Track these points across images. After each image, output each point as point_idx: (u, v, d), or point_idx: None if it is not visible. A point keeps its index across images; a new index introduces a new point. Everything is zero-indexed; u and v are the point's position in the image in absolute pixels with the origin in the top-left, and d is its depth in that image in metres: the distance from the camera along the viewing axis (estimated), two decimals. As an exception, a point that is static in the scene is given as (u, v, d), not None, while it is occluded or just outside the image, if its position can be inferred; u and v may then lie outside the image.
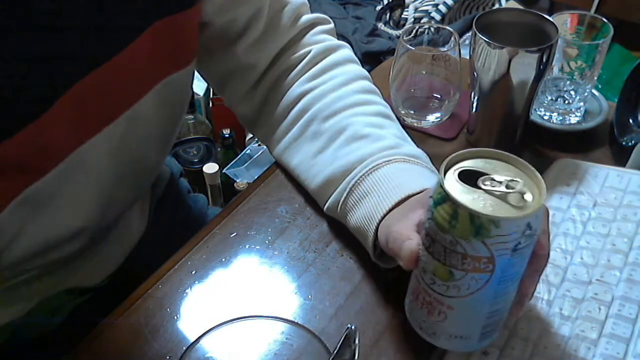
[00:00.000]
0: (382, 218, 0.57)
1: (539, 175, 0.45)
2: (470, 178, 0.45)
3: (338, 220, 0.64)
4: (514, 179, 0.44)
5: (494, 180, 0.44)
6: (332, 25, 0.74)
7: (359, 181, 0.61)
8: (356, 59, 0.72)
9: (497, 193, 0.44)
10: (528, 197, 0.44)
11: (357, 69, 0.71)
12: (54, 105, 0.50)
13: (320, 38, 0.72)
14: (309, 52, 0.70)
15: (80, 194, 0.59)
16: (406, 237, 0.50)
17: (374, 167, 0.61)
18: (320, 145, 0.65)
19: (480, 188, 0.44)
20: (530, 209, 0.43)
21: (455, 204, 0.43)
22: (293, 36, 0.71)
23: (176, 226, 0.82)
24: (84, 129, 0.55)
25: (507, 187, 0.44)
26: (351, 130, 0.64)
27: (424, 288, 0.49)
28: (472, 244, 0.43)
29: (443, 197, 0.44)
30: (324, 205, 0.65)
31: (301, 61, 0.70)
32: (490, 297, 0.46)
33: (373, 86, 0.70)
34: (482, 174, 0.45)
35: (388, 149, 0.62)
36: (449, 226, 0.44)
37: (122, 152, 0.60)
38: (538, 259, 0.48)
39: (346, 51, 0.72)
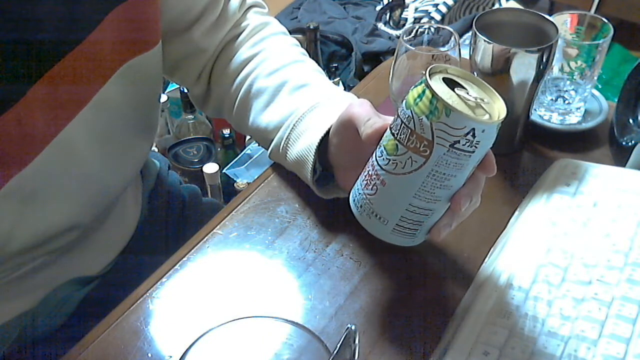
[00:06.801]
0: (325, 135, 0.61)
1: (504, 106, 0.50)
2: (449, 83, 0.50)
3: (290, 171, 0.67)
4: (484, 99, 0.50)
5: (468, 92, 0.50)
6: (266, 10, 0.79)
7: (300, 119, 0.64)
8: (286, 30, 0.77)
9: (464, 98, 0.50)
10: (486, 113, 0.50)
11: (291, 39, 0.76)
12: (29, 92, 0.53)
13: (255, 15, 0.76)
14: (247, 25, 0.74)
15: (67, 184, 0.60)
16: (369, 116, 0.55)
17: (314, 105, 0.64)
18: (267, 100, 0.68)
19: (454, 91, 0.50)
20: (481, 117, 0.49)
21: (426, 87, 0.49)
22: (238, 18, 0.75)
23: (172, 214, 0.83)
24: (61, 114, 0.57)
25: (476, 100, 0.50)
26: (293, 82, 0.68)
27: (372, 161, 0.54)
28: (422, 122, 0.49)
29: (421, 82, 0.49)
30: (268, 149, 0.68)
31: (241, 33, 0.73)
32: (418, 184, 0.51)
33: (306, 53, 0.75)
34: (460, 85, 0.51)
35: (329, 93, 0.66)
36: (413, 102, 0.49)
37: (101, 137, 0.61)
38: (476, 178, 0.52)
39: (279, 24, 0.77)
